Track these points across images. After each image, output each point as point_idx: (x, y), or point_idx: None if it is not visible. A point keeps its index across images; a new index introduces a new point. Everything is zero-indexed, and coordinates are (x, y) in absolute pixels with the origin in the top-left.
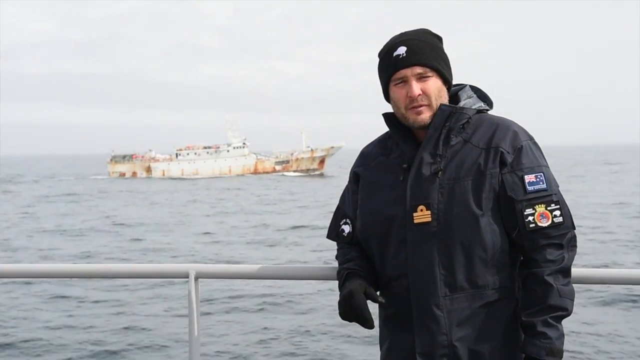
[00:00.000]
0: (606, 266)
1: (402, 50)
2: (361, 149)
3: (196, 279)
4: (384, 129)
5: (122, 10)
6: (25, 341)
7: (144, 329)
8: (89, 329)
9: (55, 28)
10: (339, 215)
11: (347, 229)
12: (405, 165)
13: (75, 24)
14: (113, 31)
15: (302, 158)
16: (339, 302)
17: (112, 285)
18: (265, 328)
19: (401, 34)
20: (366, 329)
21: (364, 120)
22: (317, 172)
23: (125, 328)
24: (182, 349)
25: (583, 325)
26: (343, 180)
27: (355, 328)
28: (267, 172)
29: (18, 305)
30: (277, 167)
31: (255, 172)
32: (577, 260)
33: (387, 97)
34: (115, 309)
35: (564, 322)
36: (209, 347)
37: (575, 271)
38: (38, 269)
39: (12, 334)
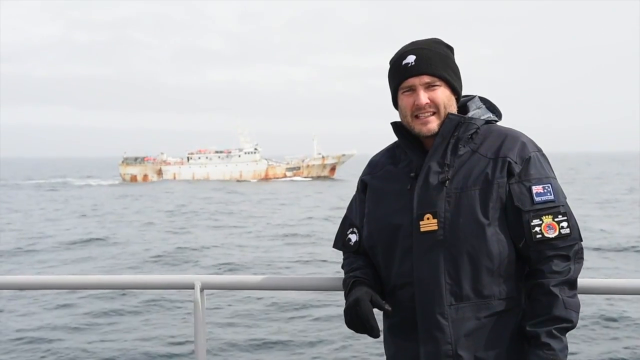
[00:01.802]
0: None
1: (411, 59)
2: (371, 153)
3: (202, 289)
4: (394, 136)
5: (128, 13)
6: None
7: (149, 338)
8: (93, 340)
9: (61, 31)
10: (346, 224)
11: (353, 238)
12: (412, 174)
13: (81, 27)
14: (119, 34)
15: (313, 165)
16: (345, 310)
17: (117, 294)
18: (271, 337)
19: (412, 43)
20: (372, 338)
21: (374, 126)
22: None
23: (131, 339)
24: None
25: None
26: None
27: (361, 338)
28: (278, 178)
29: (26, 315)
30: (288, 174)
31: (266, 178)
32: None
33: (396, 104)
34: (119, 318)
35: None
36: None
37: (580, 282)
38: (43, 280)
39: (18, 343)
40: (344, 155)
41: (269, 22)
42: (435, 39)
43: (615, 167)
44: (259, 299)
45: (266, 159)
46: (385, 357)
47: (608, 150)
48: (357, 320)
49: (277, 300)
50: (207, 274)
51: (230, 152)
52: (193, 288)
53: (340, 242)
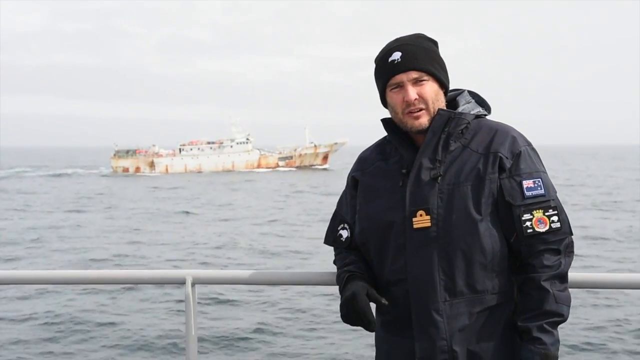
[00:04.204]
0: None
1: (397, 55)
2: (362, 143)
3: (193, 284)
4: (382, 126)
5: (113, 3)
6: (15, 343)
7: (140, 331)
8: (84, 335)
9: (46, 20)
10: (337, 220)
11: (345, 234)
12: (404, 171)
13: (66, 16)
14: (105, 24)
15: (306, 154)
16: (341, 305)
17: (106, 289)
18: (262, 331)
19: (396, 40)
20: (367, 332)
21: (364, 117)
22: (321, 167)
23: (122, 335)
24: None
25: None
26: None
27: (351, 333)
28: (271, 168)
29: (11, 311)
30: (281, 163)
31: (259, 168)
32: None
33: (385, 102)
34: (111, 311)
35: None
36: (206, 347)
37: (571, 275)
38: (33, 275)
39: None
40: (336, 143)
41: (257, 13)
42: (419, 34)
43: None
44: (250, 291)
45: (258, 149)
46: (375, 351)
47: (609, 143)
48: (353, 314)
49: (269, 293)
50: (198, 269)
51: (222, 143)
52: (184, 283)
53: (331, 238)
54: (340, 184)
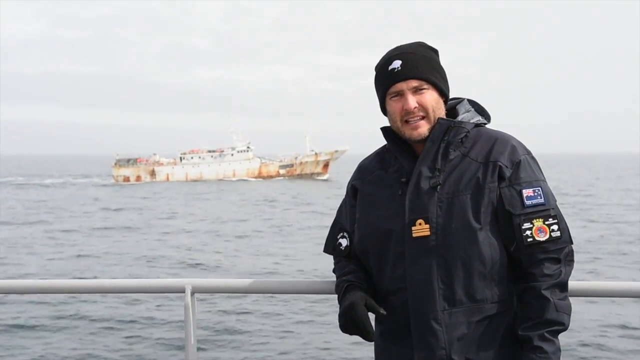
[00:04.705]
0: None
1: (397, 64)
2: (363, 151)
3: (192, 293)
4: (382, 135)
5: (112, 10)
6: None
7: (140, 338)
8: (82, 345)
9: (46, 28)
10: (336, 228)
11: (344, 242)
12: (403, 179)
13: (66, 24)
14: (104, 32)
15: (306, 162)
16: (340, 314)
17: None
18: (263, 343)
19: (396, 48)
20: (367, 342)
21: (365, 125)
22: (321, 177)
23: (122, 343)
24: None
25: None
26: None
27: (350, 342)
28: (271, 176)
29: (7, 321)
30: (281, 171)
31: (260, 176)
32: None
33: (384, 110)
34: (109, 322)
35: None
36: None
37: (571, 284)
38: (31, 284)
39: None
40: (336, 151)
41: (256, 20)
42: (419, 42)
43: None
44: (253, 301)
45: (259, 157)
46: None
47: (609, 151)
48: (352, 324)
49: (268, 302)
50: (198, 278)
51: (223, 151)
52: (184, 292)
53: (330, 246)
54: (328, 194)
